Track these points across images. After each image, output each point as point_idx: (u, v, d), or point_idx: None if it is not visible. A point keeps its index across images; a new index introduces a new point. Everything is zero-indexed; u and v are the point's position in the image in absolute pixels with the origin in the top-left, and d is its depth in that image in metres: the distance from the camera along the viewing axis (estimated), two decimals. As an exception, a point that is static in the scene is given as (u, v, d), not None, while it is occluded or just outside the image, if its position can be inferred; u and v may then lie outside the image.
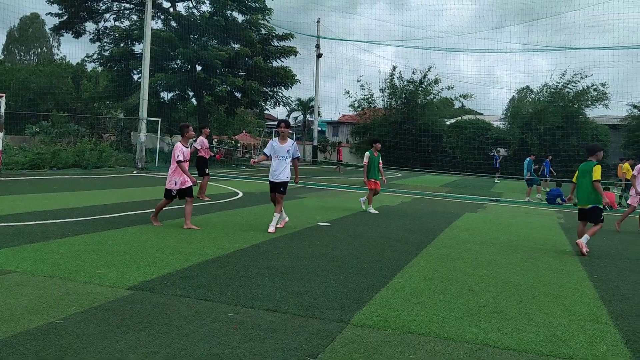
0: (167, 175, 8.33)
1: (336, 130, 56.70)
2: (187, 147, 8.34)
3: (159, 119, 26.25)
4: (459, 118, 43.18)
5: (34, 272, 5.01)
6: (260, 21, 32.35)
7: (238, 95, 33.10)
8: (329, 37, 40.10)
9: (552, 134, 36.44)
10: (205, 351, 3.35)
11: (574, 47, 40.51)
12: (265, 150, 8.64)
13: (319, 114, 43.26)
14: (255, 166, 28.38)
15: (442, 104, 42.24)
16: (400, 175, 30.46)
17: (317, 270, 5.75)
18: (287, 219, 8.88)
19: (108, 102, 38.62)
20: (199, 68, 31.50)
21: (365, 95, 42.57)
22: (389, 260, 6.53)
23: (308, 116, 50.35)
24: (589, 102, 38.00)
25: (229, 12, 31.60)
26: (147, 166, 23.48)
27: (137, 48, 31.83)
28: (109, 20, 33.92)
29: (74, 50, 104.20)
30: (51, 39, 65.11)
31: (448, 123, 42.19)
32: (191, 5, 33.74)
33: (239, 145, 39.84)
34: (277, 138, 8.54)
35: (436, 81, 40.27)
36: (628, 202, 11.95)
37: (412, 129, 38.78)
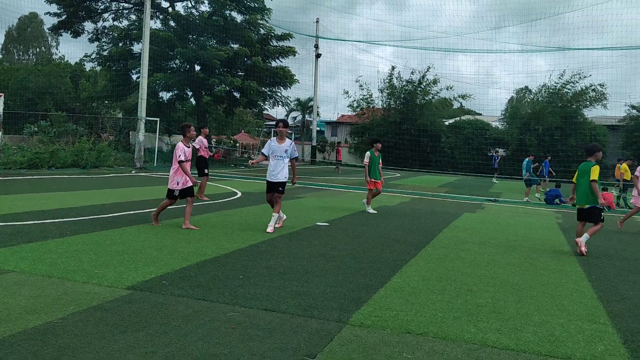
0: (166, 175, 8.32)
1: (335, 130, 56.71)
2: (189, 147, 8.33)
3: (158, 119, 26.24)
4: (458, 118, 43.22)
5: (32, 271, 5.00)
6: (259, 21, 32.35)
7: (237, 95, 33.09)
8: (327, 37, 40.10)
9: (551, 135, 36.50)
10: (204, 351, 3.34)
11: (573, 48, 40.61)
12: (263, 150, 8.62)
13: (317, 114, 43.26)
14: (254, 166, 28.38)
15: (441, 104, 42.28)
16: (398, 175, 30.48)
17: (316, 270, 5.75)
18: (284, 217, 8.87)
19: (107, 102, 38.59)
20: (197, 68, 31.49)
21: (364, 96, 42.65)
22: (388, 260, 6.53)
23: (307, 116, 50.35)
24: (588, 103, 38.08)
25: (227, 12, 31.60)
26: (145, 166, 23.46)
27: (136, 48, 31.87)
28: (108, 20, 33.95)
29: (72, 49, 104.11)
30: (50, 39, 65.03)
31: (447, 123, 42.23)
32: (190, 5, 33.77)
33: (237, 145, 39.84)
34: (275, 138, 8.52)
35: (435, 81, 40.34)
36: (631, 201, 11.97)
37: (410, 129, 38.80)
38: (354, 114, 45.59)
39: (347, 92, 43.44)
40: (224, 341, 3.53)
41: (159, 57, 29.23)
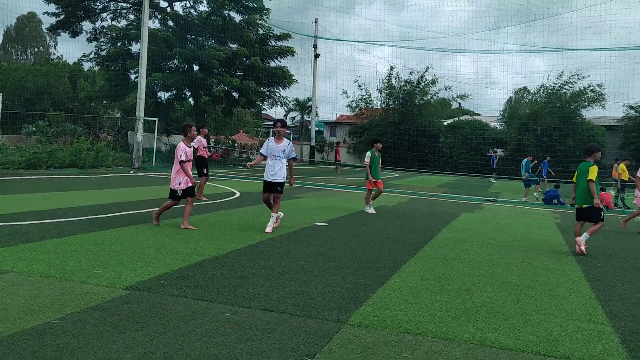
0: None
1: (334, 130, 56.71)
2: (190, 147, 8.32)
3: (156, 119, 26.21)
4: (456, 118, 43.26)
5: (30, 272, 4.99)
6: (257, 21, 32.34)
7: (235, 95, 33.07)
8: (326, 37, 40.12)
9: (549, 135, 36.56)
10: (202, 351, 3.34)
11: (571, 48, 40.70)
12: (261, 150, 8.59)
13: (316, 114, 43.27)
14: (252, 166, 28.26)
15: (440, 105, 42.30)
16: (397, 175, 30.49)
17: (315, 270, 5.75)
18: (282, 215, 8.85)
19: (105, 102, 38.57)
20: (196, 68, 31.47)
21: (363, 96, 42.61)
22: (387, 260, 6.53)
23: (305, 116, 50.37)
24: (586, 103, 38.16)
25: (226, 12, 31.58)
26: (144, 166, 23.42)
27: (134, 47, 31.83)
28: (106, 20, 33.89)
29: (70, 49, 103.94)
30: (48, 39, 64.99)
31: (445, 123, 42.27)
32: (188, 5, 33.73)
33: (236, 145, 39.83)
34: (273, 137, 8.49)
35: (433, 82, 40.35)
36: (634, 202, 11.99)
37: (409, 129, 38.82)
38: (352, 114, 45.58)
39: (346, 92, 43.34)
40: (222, 341, 3.53)
41: (158, 57, 29.21)
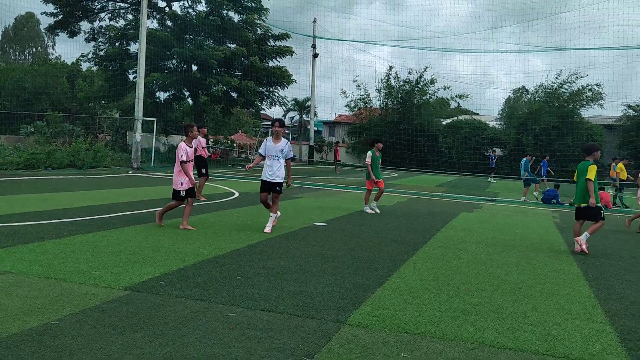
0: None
1: (332, 130, 56.75)
2: (191, 147, 8.30)
3: (155, 119, 26.18)
4: (455, 118, 43.29)
5: (29, 272, 4.99)
6: (256, 21, 32.32)
7: (234, 95, 33.06)
8: (325, 37, 40.10)
9: (548, 134, 36.60)
10: (202, 352, 3.34)
11: (570, 48, 40.64)
12: (259, 150, 8.56)
13: (315, 114, 43.25)
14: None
15: (438, 104, 42.33)
16: (396, 175, 30.50)
17: (314, 270, 5.74)
18: (279, 214, 8.80)
19: (103, 102, 38.52)
20: (194, 68, 31.44)
21: (362, 95, 42.65)
22: (386, 260, 6.53)
23: (304, 116, 50.38)
24: (584, 103, 38.22)
25: (224, 11, 31.56)
26: (142, 166, 23.41)
27: (133, 48, 31.80)
28: (104, 20, 33.87)
29: (69, 49, 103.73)
30: (46, 39, 64.92)
31: (444, 123, 42.30)
32: (187, 5, 33.70)
33: (235, 145, 39.82)
34: (271, 137, 8.44)
35: (432, 81, 40.38)
36: None
37: (408, 129, 38.84)
38: (351, 113, 45.59)
39: (345, 92, 43.40)
40: (221, 342, 3.52)
41: (156, 57, 29.19)
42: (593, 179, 7.78)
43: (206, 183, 13.13)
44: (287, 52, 33.57)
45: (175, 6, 33.77)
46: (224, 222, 8.95)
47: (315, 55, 39.30)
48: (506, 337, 3.95)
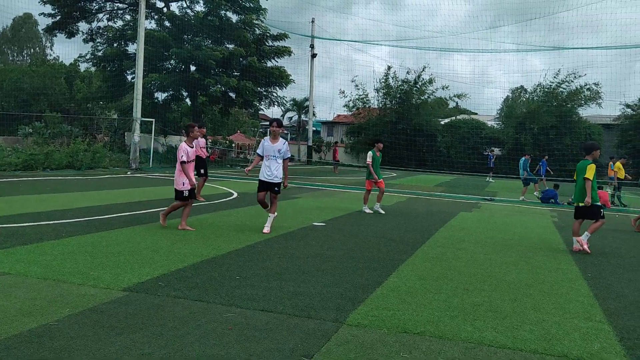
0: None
1: (331, 130, 56.74)
2: (192, 147, 8.29)
3: (153, 120, 26.17)
4: (454, 118, 43.31)
5: (28, 273, 4.98)
6: (254, 21, 32.30)
7: (232, 95, 33.05)
8: (323, 37, 40.02)
9: (546, 134, 36.64)
10: (201, 352, 3.34)
11: (568, 47, 40.72)
12: (258, 151, 8.55)
13: (313, 114, 43.22)
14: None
15: (437, 104, 42.35)
16: (395, 174, 30.51)
17: (313, 270, 5.74)
18: (276, 214, 8.77)
19: (101, 103, 38.49)
20: (193, 68, 31.42)
21: (360, 95, 42.66)
22: (384, 259, 6.54)
23: (303, 116, 50.35)
24: (583, 102, 38.27)
25: (223, 12, 31.53)
26: (141, 167, 23.38)
27: (131, 48, 31.79)
28: (102, 20, 33.83)
29: (67, 50, 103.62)
30: (44, 39, 64.82)
31: (442, 123, 42.31)
32: (185, 5, 33.68)
33: (233, 145, 39.80)
34: (268, 137, 8.43)
35: (430, 81, 40.39)
36: None
37: (406, 128, 38.85)
38: (350, 113, 45.60)
39: (343, 92, 43.39)
40: (220, 342, 3.52)
41: (154, 57, 29.15)
42: (591, 178, 7.79)
43: (205, 183, 13.12)
44: (285, 52, 33.57)
45: (174, 6, 33.77)
46: (222, 222, 8.95)
47: (313, 56, 39.25)
48: (505, 337, 3.95)
